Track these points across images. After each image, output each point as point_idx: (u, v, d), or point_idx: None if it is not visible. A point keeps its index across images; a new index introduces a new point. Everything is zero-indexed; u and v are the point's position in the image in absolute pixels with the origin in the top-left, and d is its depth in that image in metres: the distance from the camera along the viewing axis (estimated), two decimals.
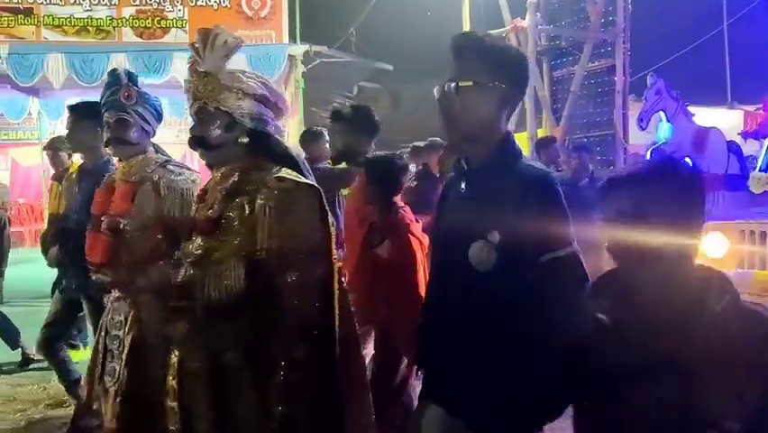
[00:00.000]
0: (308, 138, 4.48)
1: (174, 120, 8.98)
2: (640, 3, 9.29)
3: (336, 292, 1.57)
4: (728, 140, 6.44)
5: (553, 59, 9.28)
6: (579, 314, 1.30)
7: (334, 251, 1.61)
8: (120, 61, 8.27)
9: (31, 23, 8.59)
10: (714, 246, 4.47)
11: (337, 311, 1.56)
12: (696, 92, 9.50)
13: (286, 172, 1.58)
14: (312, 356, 1.46)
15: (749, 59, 7.00)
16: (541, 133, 8.71)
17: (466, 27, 9.21)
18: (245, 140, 1.57)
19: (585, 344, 1.26)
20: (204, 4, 8.93)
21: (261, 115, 1.63)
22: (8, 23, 8.50)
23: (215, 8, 8.95)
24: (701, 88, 9.85)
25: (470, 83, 1.42)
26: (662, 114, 5.52)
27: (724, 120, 9.12)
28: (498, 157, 1.47)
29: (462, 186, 1.51)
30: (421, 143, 5.18)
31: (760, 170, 5.46)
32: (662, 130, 5.52)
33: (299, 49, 8.84)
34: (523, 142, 9.12)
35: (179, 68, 8.28)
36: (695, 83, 9.68)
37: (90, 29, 8.65)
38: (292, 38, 9.12)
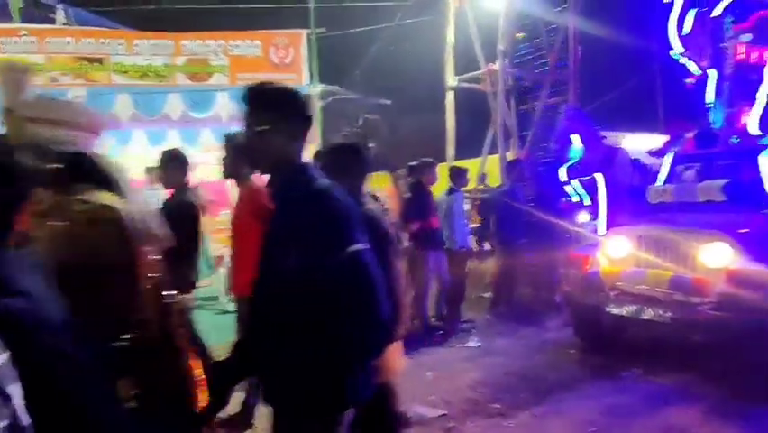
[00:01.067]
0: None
1: (216, 145, 10.76)
2: (588, 50, 11.02)
3: (151, 305, 1.52)
4: (633, 158, 6.86)
5: (519, 96, 11.14)
6: (371, 310, 1.43)
7: (145, 267, 1.55)
8: (174, 99, 10.15)
9: (103, 70, 10.43)
10: (617, 248, 4.93)
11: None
12: (633, 120, 11.36)
13: (91, 195, 1.53)
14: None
15: (677, 92, 8.25)
16: (509, 156, 10.50)
17: (450, 70, 11.07)
18: (57, 165, 1.51)
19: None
20: (240, 54, 10.75)
21: (71, 139, 1.61)
22: (86, 70, 10.37)
23: (251, 57, 10.43)
24: (638, 117, 11.65)
25: (259, 128, 1.58)
26: (574, 136, 5.86)
27: (656, 143, 10.65)
28: (290, 183, 1.61)
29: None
30: (414, 162, 6.21)
31: (663, 183, 5.88)
32: (575, 151, 5.87)
33: (317, 88, 10.20)
34: (495, 163, 10.89)
35: (222, 104, 9.90)
36: (632, 113, 11.49)
37: (150, 74, 10.51)
38: (311, 80, 10.45)
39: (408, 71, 13.75)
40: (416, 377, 4.66)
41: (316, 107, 10.20)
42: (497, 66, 10.44)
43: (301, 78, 10.62)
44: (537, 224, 6.33)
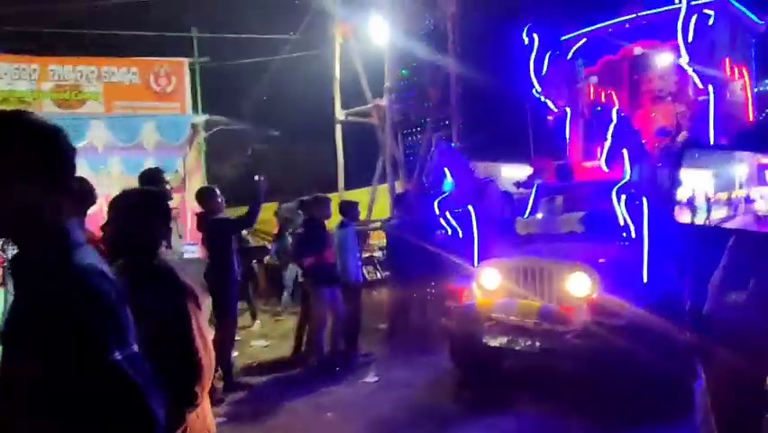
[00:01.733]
0: (203, 194, 5.24)
1: (91, 174, 10.07)
2: (470, 87, 11.76)
3: None
4: (503, 190, 6.92)
5: (405, 130, 11.57)
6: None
7: None
8: None
9: None
10: (489, 280, 4.97)
11: None
12: (510, 153, 12.25)
13: None
14: None
15: (542, 128, 8.58)
16: (398, 186, 10.85)
17: (338, 104, 11.27)
18: None
19: None
20: (117, 81, 10.22)
21: None
22: None
23: (128, 84, 10.00)
24: (514, 150, 12.57)
25: None
26: (446, 170, 5.80)
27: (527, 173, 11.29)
28: (38, 257, 1.16)
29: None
30: (306, 198, 6.21)
31: (529, 215, 6.08)
32: (447, 184, 5.82)
33: (201, 118, 9.98)
34: (384, 193, 11.17)
35: (95, 134, 9.37)
36: (510, 146, 12.37)
37: (12, 99, 9.65)
38: (195, 109, 10.21)
39: (298, 103, 13.88)
40: (317, 419, 4.57)
41: (201, 137, 9.97)
42: (383, 101, 10.75)
43: (185, 106, 10.42)
44: (427, 254, 6.48)
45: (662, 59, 6.42)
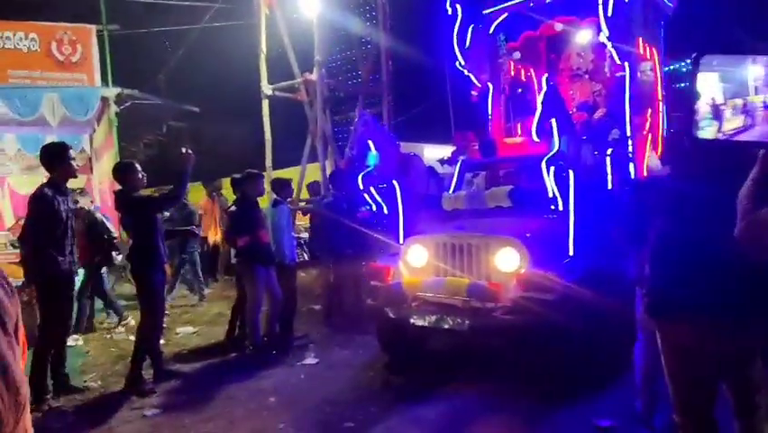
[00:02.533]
0: (122, 169, 4.85)
1: None
2: (400, 64, 11.54)
3: None
4: (428, 165, 7.17)
5: (335, 107, 11.32)
6: None
7: None
8: None
9: None
10: (416, 257, 4.85)
11: None
12: (438, 132, 12.37)
13: None
14: None
15: (465, 103, 8.40)
16: (328, 164, 10.58)
17: (264, 77, 10.74)
18: None
19: None
20: (12, 47, 9.17)
21: None
22: None
23: (25, 51, 9.04)
24: (443, 129, 12.74)
25: None
26: (370, 143, 5.58)
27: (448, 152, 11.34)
28: None
29: None
30: (238, 175, 5.93)
31: (454, 191, 5.97)
32: (371, 157, 5.61)
33: (112, 91, 9.16)
34: (315, 171, 10.85)
35: None
36: (439, 125, 12.49)
37: None
38: (104, 81, 9.37)
39: (220, 77, 13.14)
40: (260, 404, 4.38)
41: (111, 112, 9.18)
42: (313, 76, 10.24)
43: (93, 78, 9.60)
44: (357, 232, 6.36)
45: (580, 37, 6.56)
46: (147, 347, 4.90)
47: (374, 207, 5.80)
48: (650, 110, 6.49)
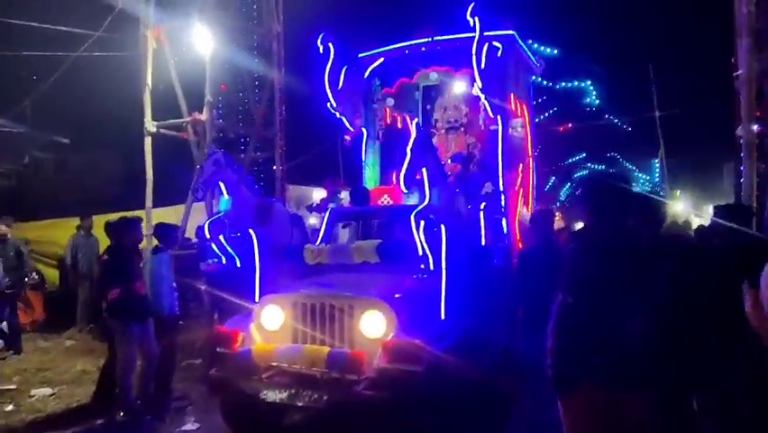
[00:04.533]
0: None
1: None
2: (294, 107, 11.49)
3: None
4: (292, 213, 6.52)
5: (224, 148, 10.76)
6: None
7: None
8: None
9: None
10: (270, 319, 4.33)
11: None
12: (320, 175, 11.96)
13: None
14: None
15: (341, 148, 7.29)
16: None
17: (148, 113, 10.12)
18: None
19: None
20: None
21: None
22: None
23: None
24: (329, 173, 12.43)
25: None
26: (221, 185, 5.03)
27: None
28: None
29: None
30: (114, 221, 5.30)
31: (320, 243, 5.47)
32: (223, 202, 5.09)
33: None
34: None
35: None
36: (321, 168, 12.15)
37: None
38: None
39: (98, 109, 12.31)
40: None
41: None
42: (204, 116, 9.80)
43: None
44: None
45: (455, 89, 6.57)
46: None
47: (224, 259, 5.22)
48: (521, 165, 6.53)
